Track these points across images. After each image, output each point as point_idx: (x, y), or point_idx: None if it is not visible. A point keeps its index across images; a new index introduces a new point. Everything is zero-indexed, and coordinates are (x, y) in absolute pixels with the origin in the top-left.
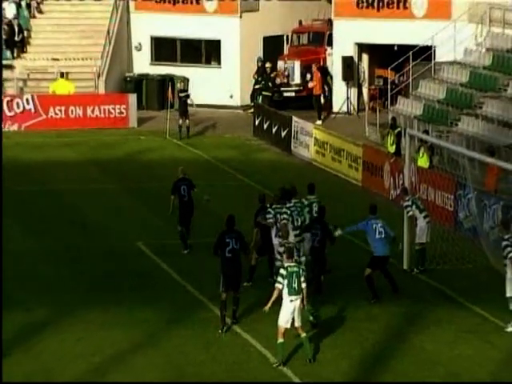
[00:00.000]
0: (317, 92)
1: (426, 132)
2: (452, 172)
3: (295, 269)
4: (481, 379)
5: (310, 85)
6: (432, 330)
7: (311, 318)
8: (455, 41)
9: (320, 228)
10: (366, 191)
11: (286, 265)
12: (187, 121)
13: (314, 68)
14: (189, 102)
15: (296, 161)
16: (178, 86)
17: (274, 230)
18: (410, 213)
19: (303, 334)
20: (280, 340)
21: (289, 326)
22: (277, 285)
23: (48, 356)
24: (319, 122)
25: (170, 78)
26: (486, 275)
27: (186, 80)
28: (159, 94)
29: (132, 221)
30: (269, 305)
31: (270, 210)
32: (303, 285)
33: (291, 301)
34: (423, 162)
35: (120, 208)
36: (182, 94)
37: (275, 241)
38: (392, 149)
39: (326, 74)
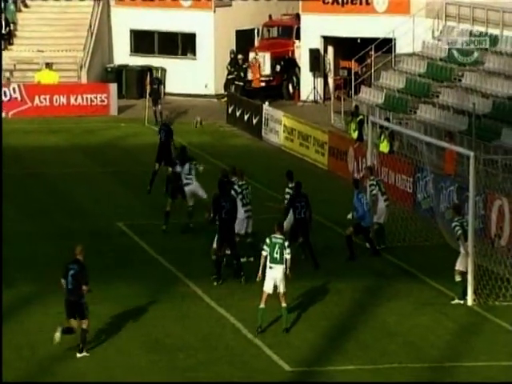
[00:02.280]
0: (256, 85)
1: (387, 119)
2: (411, 156)
3: (279, 240)
4: (436, 347)
5: (251, 77)
6: (392, 303)
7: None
8: (414, 34)
9: (304, 200)
10: (332, 174)
11: (272, 236)
12: (159, 106)
13: (252, 61)
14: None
15: (266, 146)
16: (154, 75)
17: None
18: (374, 191)
19: (283, 304)
20: (261, 305)
21: (270, 291)
22: (262, 252)
23: (33, 329)
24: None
25: (149, 69)
26: (441, 252)
27: (162, 70)
28: (138, 83)
29: (114, 202)
30: (259, 273)
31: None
32: (287, 256)
33: (270, 267)
34: (384, 147)
35: (102, 190)
36: (154, 84)
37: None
38: (355, 135)
39: (293, 65)
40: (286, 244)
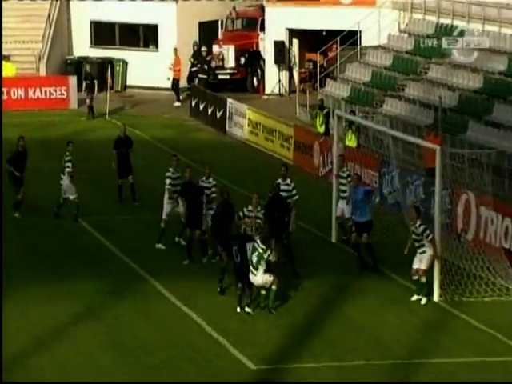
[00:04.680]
0: (177, 77)
1: (353, 113)
2: (377, 151)
3: (260, 250)
4: (403, 343)
5: (171, 68)
6: (359, 299)
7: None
8: (380, 27)
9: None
10: (298, 169)
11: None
12: (89, 101)
13: (174, 55)
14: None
15: (231, 140)
16: (87, 69)
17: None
18: (352, 183)
19: (273, 287)
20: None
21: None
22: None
23: None
24: (178, 104)
25: (109, 61)
26: (408, 247)
27: (124, 62)
28: (99, 76)
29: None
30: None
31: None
32: (261, 268)
33: (251, 271)
34: (350, 141)
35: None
36: (87, 79)
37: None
38: (321, 129)
39: (258, 58)
40: (266, 255)
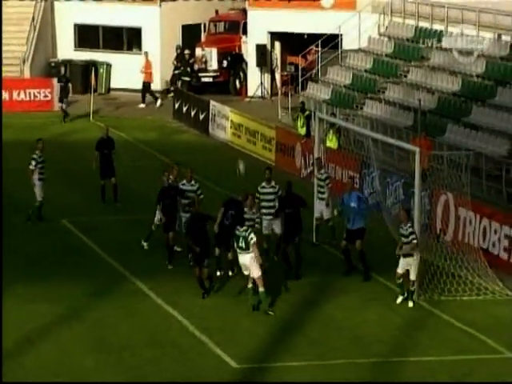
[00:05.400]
0: (147, 80)
1: (334, 115)
2: (357, 152)
3: (243, 233)
4: (384, 342)
5: (142, 71)
6: (340, 298)
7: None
8: (360, 30)
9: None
10: (280, 170)
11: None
12: (64, 105)
13: (144, 58)
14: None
15: (214, 142)
16: (62, 71)
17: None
18: (330, 185)
19: (260, 289)
20: (248, 285)
21: (246, 273)
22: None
23: None
24: (143, 105)
25: (93, 64)
26: (388, 247)
27: (108, 65)
28: (83, 78)
29: (58, 199)
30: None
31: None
32: (251, 241)
33: (239, 253)
34: (332, 143)
35: (46, 187)
36: (61, 81)
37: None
38: (302, 131)
39: (240, 60)
40: (249, 233)
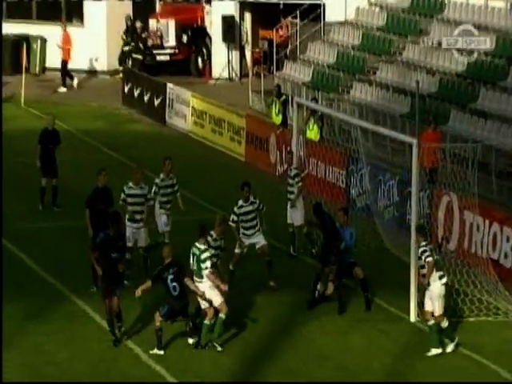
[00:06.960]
0: (65, 58)
1: (316, 100)
2: (344, 145)
3: (195, 251)
4: (373, 372)
5: (59, 46)
6: (322, 320)
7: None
8: None
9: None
10: (251, 167)
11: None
12: None
13: (62, 30)
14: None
15: (171, 133)
16: None
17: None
18: (300, 184)
19: (221, 314)
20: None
21: (207, 305)
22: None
23: None
24: (64, 90)
25: (26, 38)
26: (380, 258)
27: (42, 40)
28: (13, 56)
29: None
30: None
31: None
32: (204, 271)
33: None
34: (313, 133)
35: None
36: None
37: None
38: (278, 119)
39: (203, 35)
40: (204, 256)
